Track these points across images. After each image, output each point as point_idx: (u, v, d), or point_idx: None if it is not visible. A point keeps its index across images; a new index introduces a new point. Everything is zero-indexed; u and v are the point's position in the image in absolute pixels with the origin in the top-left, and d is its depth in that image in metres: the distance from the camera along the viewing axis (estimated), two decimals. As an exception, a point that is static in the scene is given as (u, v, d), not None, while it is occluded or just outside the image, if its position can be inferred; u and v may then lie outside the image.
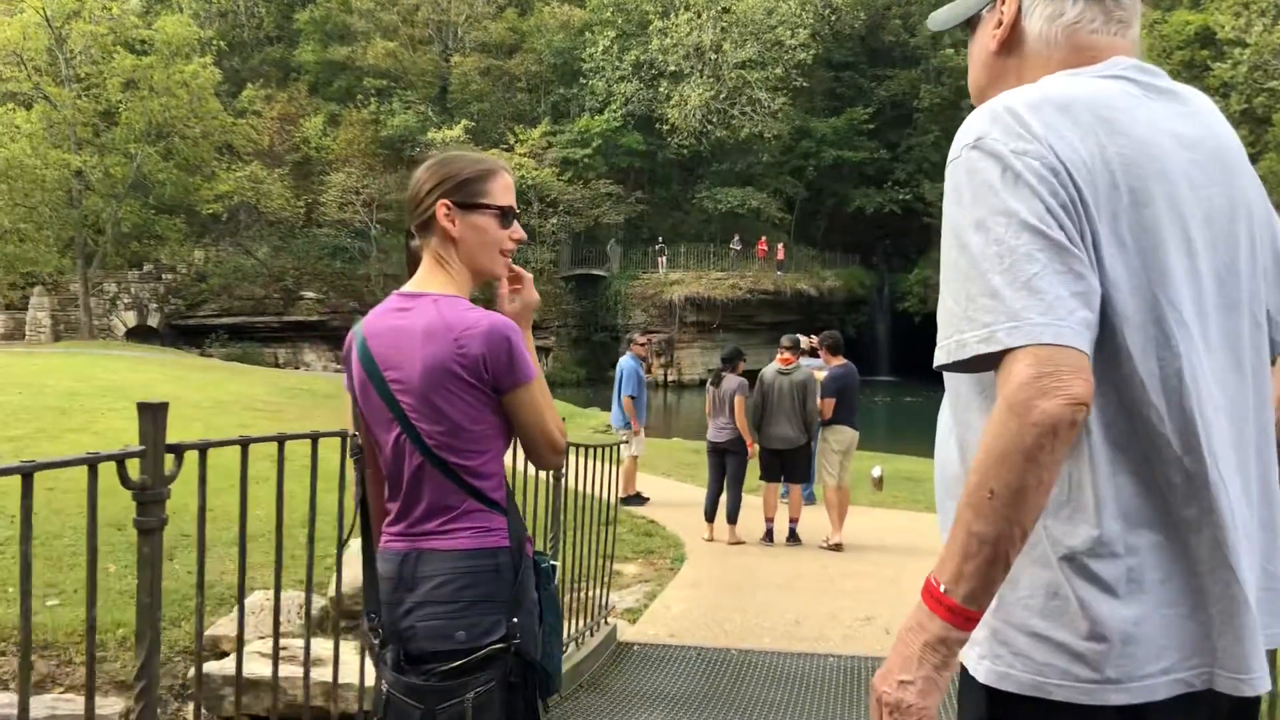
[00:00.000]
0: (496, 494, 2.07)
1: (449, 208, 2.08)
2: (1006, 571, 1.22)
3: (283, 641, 6.28)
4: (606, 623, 5.38)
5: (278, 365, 37.65)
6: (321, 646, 5.88)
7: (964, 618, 1.22)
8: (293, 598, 7.07)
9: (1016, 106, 1.33)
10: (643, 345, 11.47)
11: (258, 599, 6.96)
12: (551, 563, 2.22)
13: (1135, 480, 1.30)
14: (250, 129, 40.54)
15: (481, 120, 44.93)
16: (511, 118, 45.89)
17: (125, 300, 39.62)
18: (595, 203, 43.04)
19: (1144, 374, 1.29)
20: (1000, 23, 1.52)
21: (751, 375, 9.42)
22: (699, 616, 6.12)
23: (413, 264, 2.20)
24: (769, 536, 9.03)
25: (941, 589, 1.23)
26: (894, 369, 43.59)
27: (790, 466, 9.07)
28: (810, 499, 9.77)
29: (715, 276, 42.27)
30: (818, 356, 9.79)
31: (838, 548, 8.66)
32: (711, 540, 9.22)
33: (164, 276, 40.55)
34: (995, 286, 1.24)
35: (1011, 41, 1.52)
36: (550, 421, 2.11)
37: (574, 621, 4.91)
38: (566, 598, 5.10)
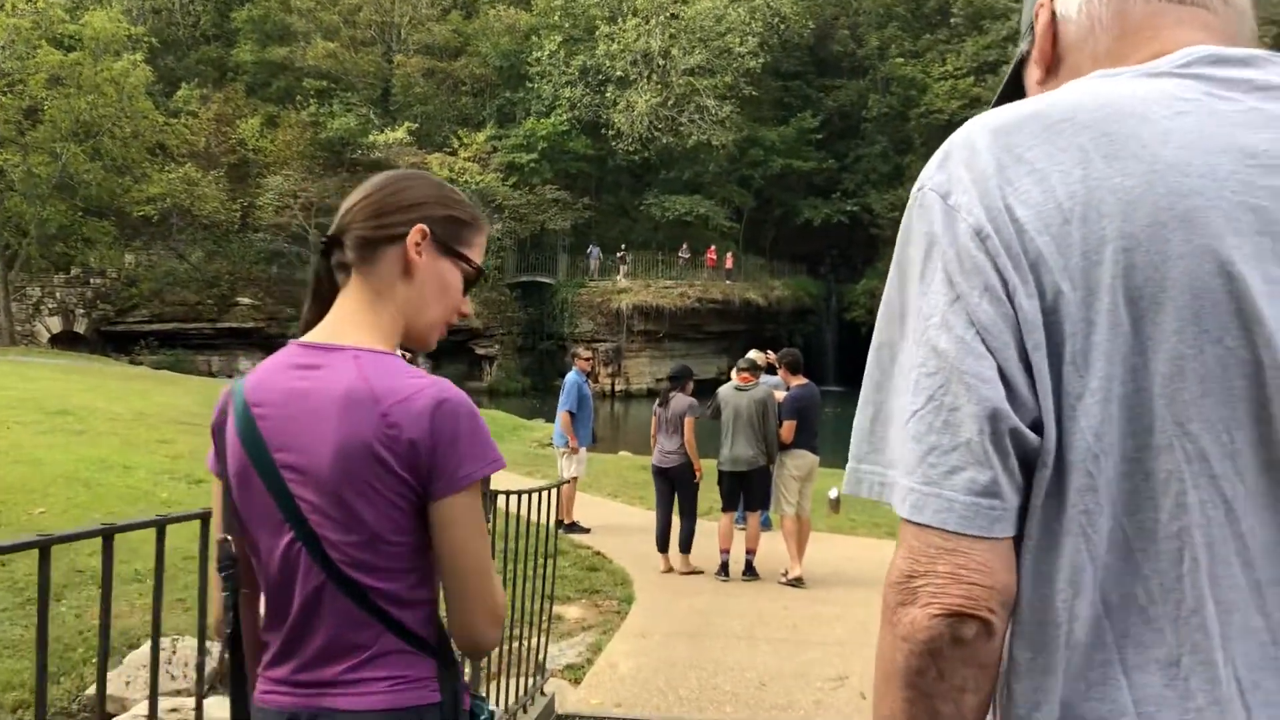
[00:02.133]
0: (425, 629, 1.54)
1: (424, 236, 1.61)
2: None
3: (176, 702, 5.54)
4: (543, 693, 4.68)
5: (211, 374, 36.48)
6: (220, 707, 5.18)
7: None
8: (191, 648, 6.34)
9: (975, 133, 0.98)
10: (587, 359, 10.84)
11: (147, 650, 6.18)
12: (490, 709, 1.66)
13: None
14: (184, 129, 39.44)
15: (425, 123, 44.16)
16: (456, 121, 45.19)
17: (50, 305, 38.18)
18: (542, 208, 42.36)
19: (1095, 548, 0.92)
20: (1034, 43, 1.14)
21: (698, 386, 8.88)
22: (649, 677, 5.43)
23: (323, 290, 1.65)
24: (724, 570, 8.40)
25: None
26: (841, 378, 43.33)
27: (749, 490, 8.46)
28: (766, 524, 9.16)
29: (664, 285, 41.87)
30: (775, 373, 9.20)
31: (798, 582, 8.06)
32: (669, 572, 8.60)
33: (92, 281, 39.16)
34: (888, 410, 0.99)
35: (1050, 54, 1.12)
36: (490, 567, 1.54)
37: (508, 685, 4.22)
38: (502, 649, 4.42)
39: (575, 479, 10.47)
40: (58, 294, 38.34)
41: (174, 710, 5.47)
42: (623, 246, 43.08)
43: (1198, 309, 0.89)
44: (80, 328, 38.58)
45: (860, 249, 48.81)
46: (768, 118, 49.47)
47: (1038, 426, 0.92)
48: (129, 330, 39.16)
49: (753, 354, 8.88)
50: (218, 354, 39.35)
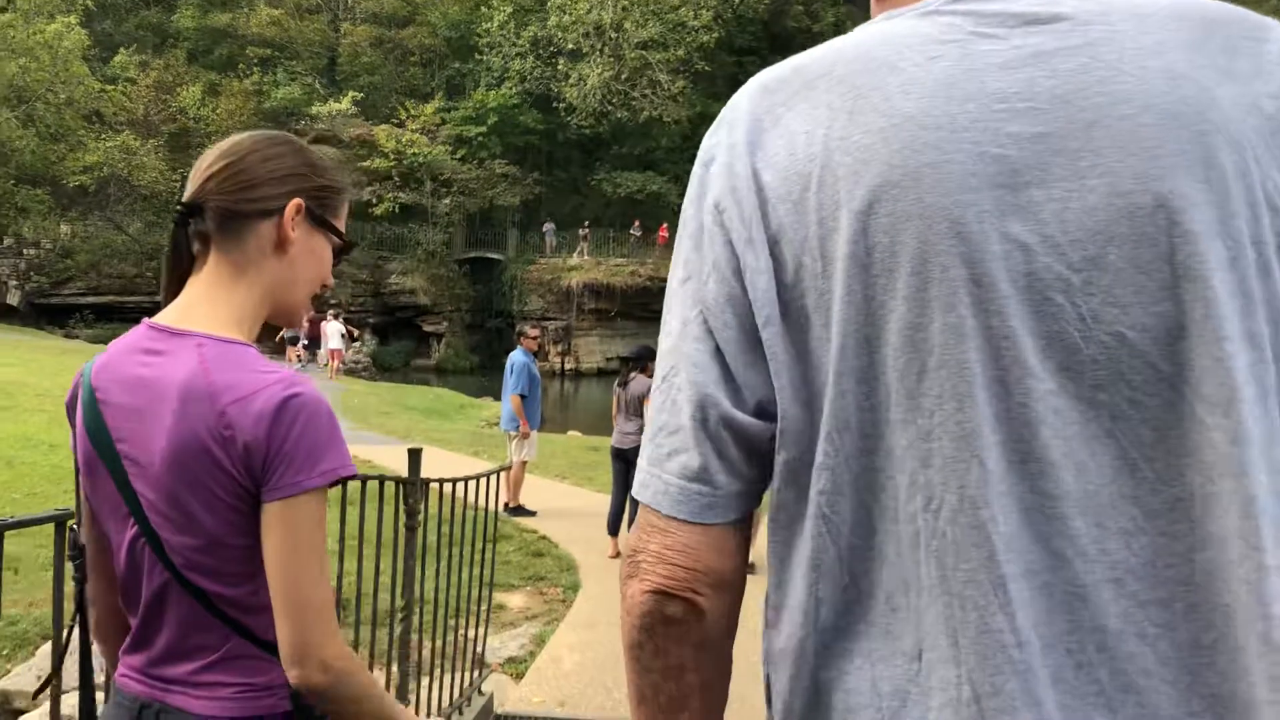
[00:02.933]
0: (272, 633, 1.41)
1: (299, 211, 1.51)
2: None
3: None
4: (480, 692, 4.39)
5: (150, 348, 35.58)
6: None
7: None
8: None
9: (744, 93, 0.96)
10: (534, 338, 10.47)
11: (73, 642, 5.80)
12: None
13: None
14: (122, 96, 38.26)
15: (371, 94, 43.18)
16: (404, 92, 44.25)
17: (-19, 276, 36.93)
18: (491, 183, 41.71)
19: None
20: None
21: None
22: (595, 672, 5.17)
23: (182, 264, 1.51)
24: None
25: None
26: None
27: None
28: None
29: (615, 263, 41.42)
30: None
31: (749, 568, 7.84)
32: (618, 556, 8.32)
33: (25, 252, 37.84)
34: (655, 377, 0.98)
35: None
36: (314, 595, 1.38)
37: (445, 682, 3.94)
38: (439, 642, 4.13)
39: (525, 462, 10.19)
40: (-11, 265, 37.11)
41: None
42: (585, 223, 42.53)
43: (928, 275, 0.82)
44: (13, 300, 37.34)
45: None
46: (721, 94, 48.91)
47: (764, 410, 0.89)
48: (64, 303, 37.93)
49: None
50: (157, 328, 38.41)
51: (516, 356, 10.07)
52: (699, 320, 0.92)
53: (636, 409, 8.50)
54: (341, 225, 1.61)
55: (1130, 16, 0.87)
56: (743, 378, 0.90)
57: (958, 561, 0.82)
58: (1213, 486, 0.80)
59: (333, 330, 27.75)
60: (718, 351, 0.90)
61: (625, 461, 8.59)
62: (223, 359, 1.40)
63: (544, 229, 42.91)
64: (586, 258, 41.54)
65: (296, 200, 1.50)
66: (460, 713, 4.09)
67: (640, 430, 8.43)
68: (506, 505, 9.79)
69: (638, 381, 8.59)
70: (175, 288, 1.51)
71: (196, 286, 1.48)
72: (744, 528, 0.94)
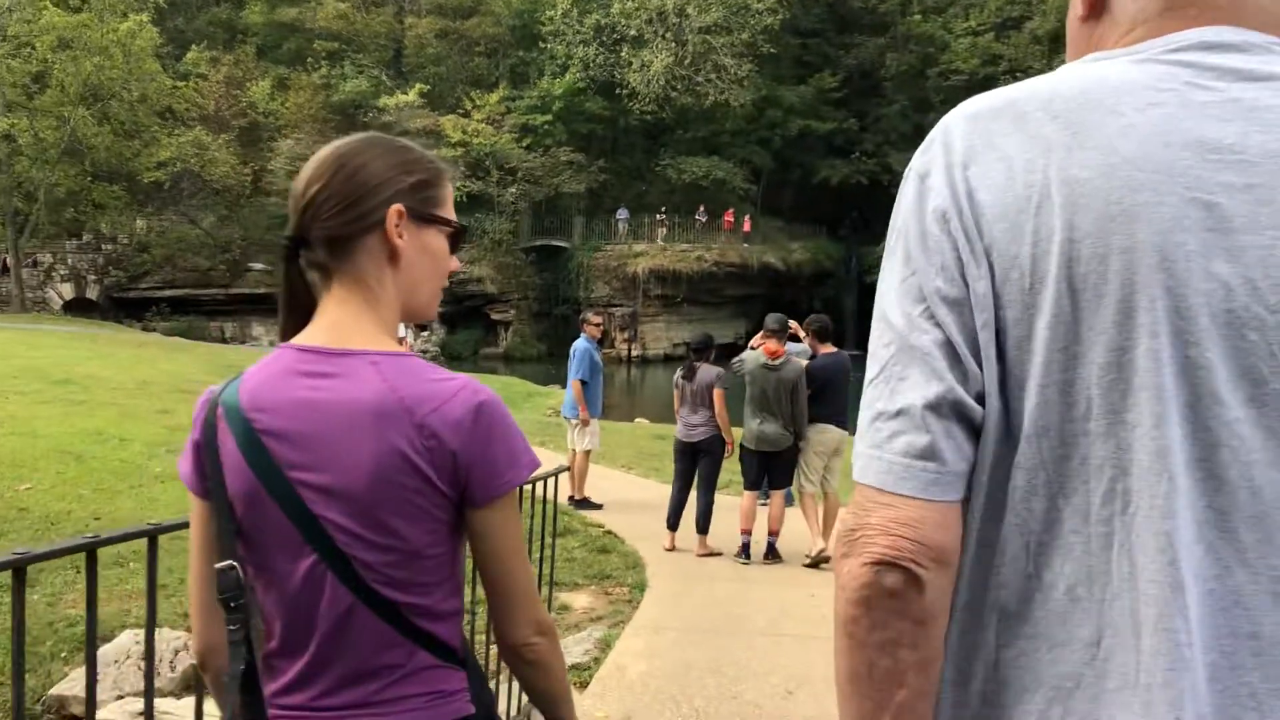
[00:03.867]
0: (455, 640, 1.47)
1: (401, 217, 1.47)
2: None
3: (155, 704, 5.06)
4: (542, 707, 4.17)
5: (224, 340, 36.25)
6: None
7: None
8: (170, 640, 5.88)
9: (955, 118, 1.04)
10: (597, 324, 10.28)
11: (124, 642, 5.72)
12: None
13: None
14: (193, 93, 38.94)
15: (437, 85, 43.42)
16: (469, 82, 44.40)
17: (62, 272, 37.91)
18: (555, 171, 41.66)
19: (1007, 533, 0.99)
20: None
21: (718, 352, 8.33)
22: (662, 683, 4.91)
23: (297, 296, 1.50)
24: (745, 551, 7.89)
25: None
26: (862, 343, 42.02)
27: (775, 470, 7.92)
28: (790, 500, 8.61)
29: (680, 249, 41.12)
30: (799, 340, 8.60)
31: (824, 561, 7.56)
32: (673, 550, 8.10)
33: (103, 247, 38.87)
34: (866, 403, 1.03)
35: (1098, 2, 1.10)
36: (530, 572, 1.50)
37: (501, 694, 3.73)
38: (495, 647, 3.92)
39: (589, 451, 10.00)
40: (69, 260, 38.04)
41: (141, 714, 5.02)
42: (663, 209, 42.25)
43: (1135, 304, 0.91)
44: (93, 294, 38.31)
45: (880, 210, 47.47)
46: (786, 76, 48.42)
47: (981, 399, 0.97)
48: (141, 296, 38.87)
49: (782, 316, 8.14)
50: (230, 320, 38.99)
51: (579, 343, 9.90)
52: (926, 315, 0.98)
53: (704, 399, 8.19)
54: (448, 210, 1.55)
55: None
56: (968, 369, 0.97)
57: (1146, 562, 0.90)
58: None
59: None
60: (947, 342, 0.97)
61: (691, 455, 8.31)
62: (402, 373, 1.39)
63: (617, 215, 42.69)
64: (650, 244, 41.27)
65: (396, 207, 1.46)
66: (520, 729, 3.86)
67: (708, 421, 8.19)
68: (571, 498, 9.61)
69: (704, 371, 8.28)
70: (295, 319, 1.49)
71: (333, 308, 1.46)
72: (963, 509, 0.98)
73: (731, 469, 8.88)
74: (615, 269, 41.11)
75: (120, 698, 5.24)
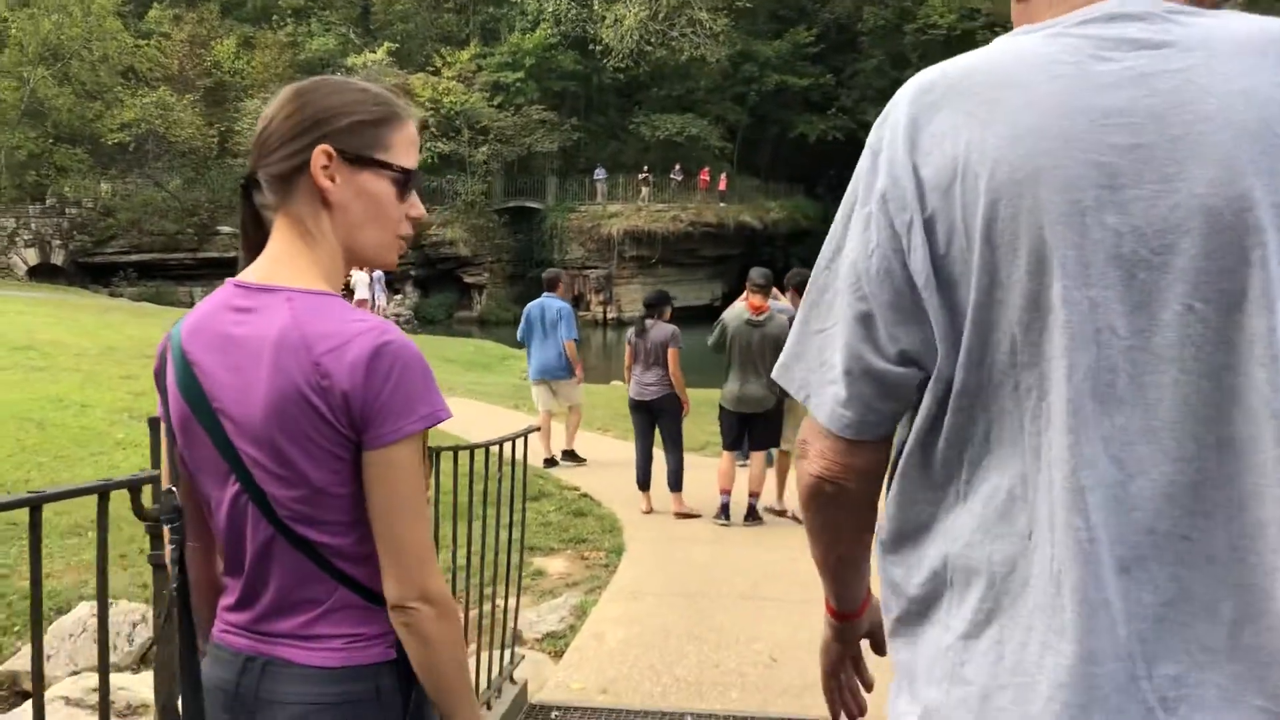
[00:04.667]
0: (377, 583, 1.46)
1: (330, 158, 1.46)
2: (845, 577, 1.40)
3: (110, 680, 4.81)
4: (513, 680, 3.93)
5: (192, 305, 35.32)
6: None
7: (831, 612, 1.47)
8: (128, 612, 5.63)
9: (906, 92, 1.17)
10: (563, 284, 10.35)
11: (81, 614, 5.47)
12: None
13: None
14: (156, 52, 38.06)
15: (406, 42, 42.60)
16: (438, 39, 43.65)
17: (25, 237, 37.01)
18: (528, 130, 41.05)
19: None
20: None
21: (691, 314, 8.05)
22: (639, 653, 4.69)
23: (252, 232, 1.55)
24: (725, 512, 7.69)
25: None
26: (839, 302, 42.60)
27: (756, 431, 7.67)
28: (770, 460, 8.41)
29: (655, 209, 40.70)
30: (778, 300, 8.34)
31: (784, 514, 7.56)
32: (650, 512, 7.91)
33: (68, 211, 37.98)
34: (804, 319, 1.24)
35: None
36: (423, 531, 1.46)
37: (473, 662, 3.50)
38: (471, 613, 3.70)
39: (574, 406, 10.21)
40: (33, 225, 37.15)
41: (95, 689, 4.79)
42: (644, 168, 41.69)
43: (1045, 254, 1.05)
44: (58, 260, 37.53)
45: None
46: (762, 31, 47.79)
47: (903, 359, 1.13)
48: (108, 261, 38.08)
49: (767, 271, 7.88)
50: (199, 284, 38.16)
51: (559, 303, 9.78)
52: (854, 289, 1.15)
53: (658, 357, 7.95)
54: (397, 154, 1.52)
55: (1226, 44, 1.06)
56: (890, 333, 1.13)
57: (1057, 472, 1.06)
58: (1256, 428, 1.02)
59: (359, 280, 27.59)
60: (869, 314, 1.13)
61: (647, 412, 8.07)
62: (312, 310, 1.41)
63: (595, 175, 42.13)
64: (624, 204, 40.85)
65: (323, 147, 1.45)
66: (489, 706, 3.63)
67: (660, 380, 7.95)
68: (565, 453, 10.04)
69: (657, 329, 8.02)
70: (250, 256, 1.52)
71: (273, 247, 1.49)
72: (883, 442, 1.21)
73: (710, 430, 8.68)
74: (590, 230, 40.66)
75: (75, 673, 5.00)
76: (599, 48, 42.06)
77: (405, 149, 1.52)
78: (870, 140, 1.18)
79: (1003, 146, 1.06)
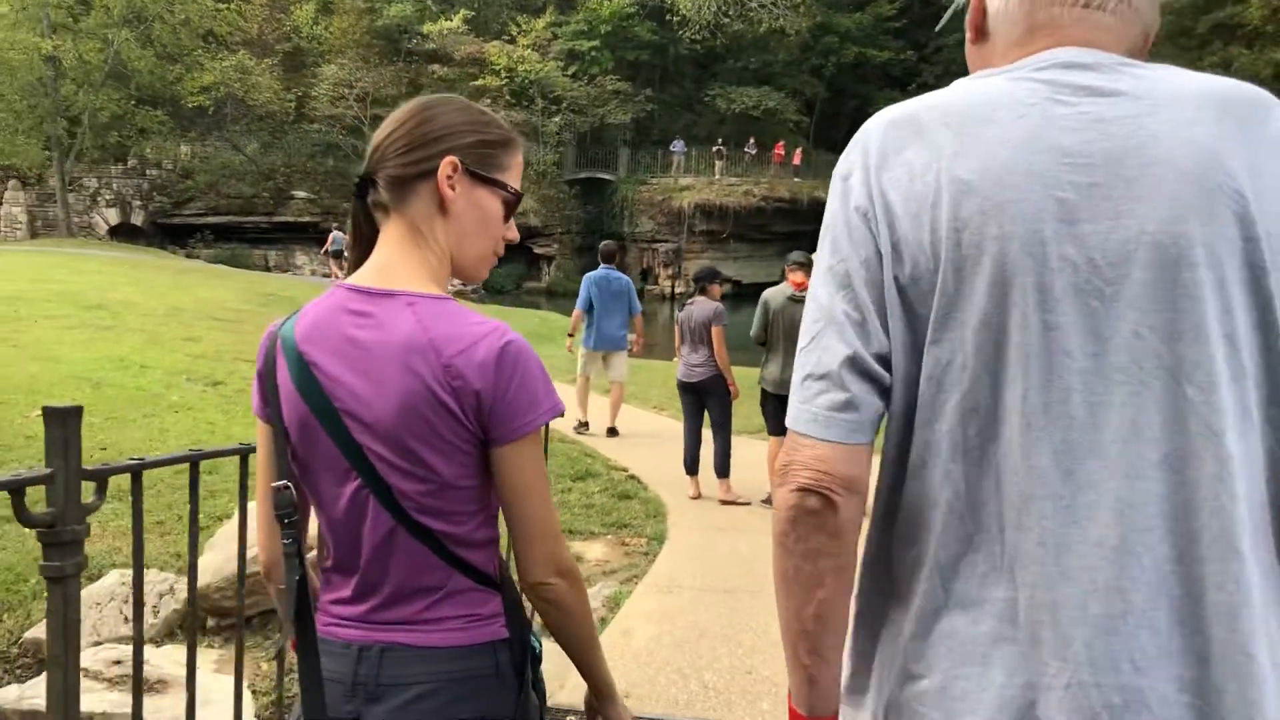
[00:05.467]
0: (490, 566, 1.58)
1: (455, 169, 1.57)
2: (822, 646, 1.24)
3: (124, 651, 4.70)
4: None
5: (267, 268, 36.05)
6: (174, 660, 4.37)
7: (795, 718, 1.30)
8: (157, 582, 5.52)
9: (874, 126, 1.28)
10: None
11: (109, 583, 5.36)
12: (539, 645, 1.65)
13: None
14: (237, 16, 38.30)
15: (483, 9, 42.55)
16: (515, 6, 43.46)
17: (107, 196, 37.77)
18: (602, 100, 40.71)
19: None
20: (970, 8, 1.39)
21: (760, 291, 7.72)
22: (671, 653, 4.40)
23: (363, 231, 1.63)
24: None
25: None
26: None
27: None
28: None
29: (728, 183, 40.13)
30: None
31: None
32: (698, 498, 7.63)
33: (148, 172, 38.64)
34: (802, 338, 1.28)
35: (980, 25, 1.38)
36: (551, 511, 1.57)
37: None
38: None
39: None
40: (114, 185, 37.88)
41: (118, 662, 4.67)
42: (719, 141, 41.17)
43: (1006, 279, 1.14)
44: (138, 220, 38.26)
45: (937, 146, 46.27)
46: (843, 2, 46.77)
47: (887, 362, 1.21)
48: (185, 223, 38.71)
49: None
50: (274, 248, 38.77)
51: (617, 274, 9.94)
52: (846, 296, 1.21)
53: (702, 337, 7.65)
54: (509, 177, 1.63)
55: (1170, 96, 1.17)
56: (878, 337, 1.20)
57: (1009, 479, 1.15)
58: (1194, 446, 1.10)
59: None
60: (861, 319, 1.20)
61: (695, 394, 7.80)
62: (435, 314, 1.49)
63: (672, 147, 41.61)
64: (697, 177, 40.35)
65: (450, 159, 1.55)
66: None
67: (707, 361, 7.67)
68: (609, 430, 10.00)
69: (702, 305, 7.70)
70: (360, 255, 1.61)
71: (385, 249, 1.57)
72: (866, 448, 1.21)
73: (748, 413, 8.39)
74: (660, 203, 40.28)
75: (98, 644, 4.89)
76: (676, 18, 41.51)
77: (516, 174, 1.65)
78: (839, 167, 1.28)
79: (970, 179, 1.16)
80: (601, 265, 9.96)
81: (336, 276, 29.23)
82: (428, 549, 1.51)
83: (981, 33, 1.36)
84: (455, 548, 1.52)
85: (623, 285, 9.86)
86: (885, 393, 1.21)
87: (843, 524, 1.19)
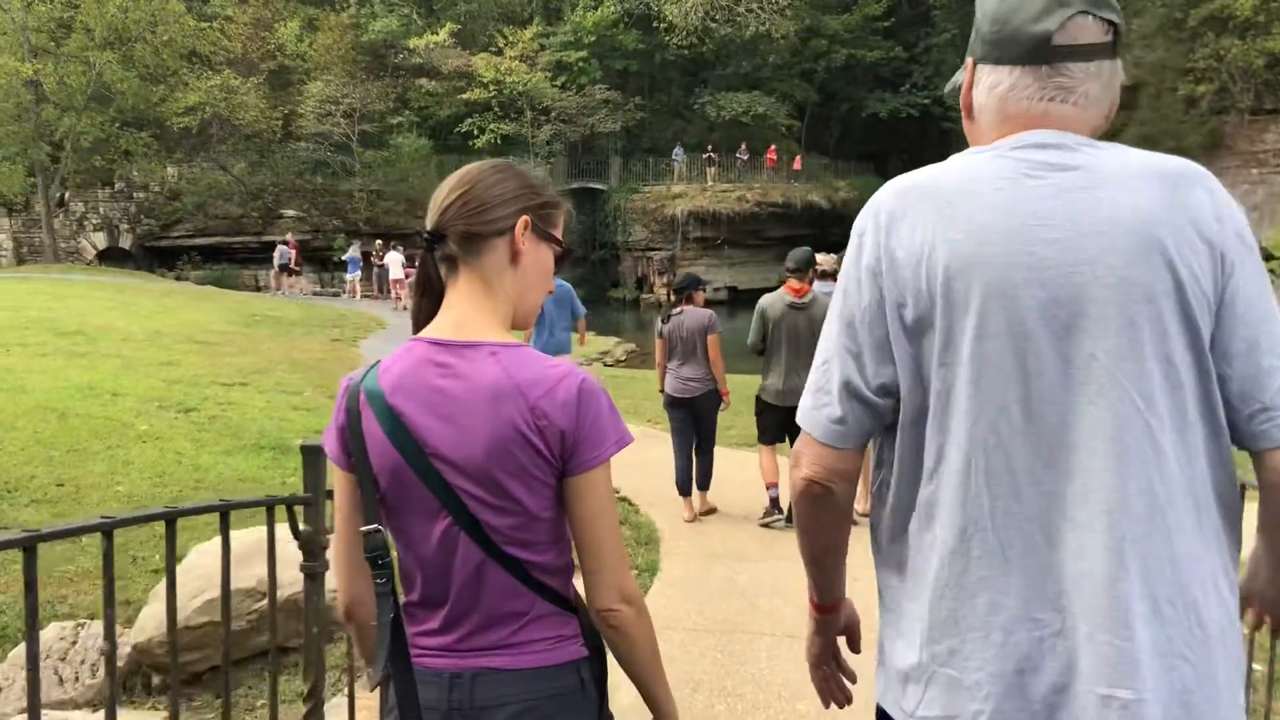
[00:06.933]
0: (568, 590, 1.73)
1: (527, 226, 1.75)
2: (827, 565, 1.70)
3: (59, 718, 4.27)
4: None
5: (257, 288, 35.59)
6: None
7: (814, 605, 1.79)
8: (97, 635, 5.05)
9: (887, 192, 1.56)
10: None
11: (48, 638, 4.90)
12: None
13: None
14: (220, 35, 37.92)
15: (469, 23, 42.23)
16: (501, 18, 43.16)
17: (94, 221, 37.35)
18: (591, 110, 40.33)
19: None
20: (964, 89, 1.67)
21: (756, 297, 7.28)
22: (658, 709, 3.96)
23: (432, 283, 1.77)
24: (776, 505, 6.99)
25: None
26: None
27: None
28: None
29: (721, 189, 39.75)
30: (832, 280, 7.49)
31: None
32: (693, 520, 7.24)
33: (135, 195, 38.19)
34: (817, 358, 1.61)
35: (970, 108, 1.66)
36: (619, 538, 1.71)
37: None
38: None
39: None
40: (101, 209, 37.44)
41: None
42: (709, 147, 40.85)
43: (987, 315, 1.44)
44: (125, 243, 37.81)
45: (932, 145, 45.29)
46: (831, 4, 46.44)
47: (883, 391, 1.53)
48: (174, 245, 38.20)
49: (804, 252, 7.11)
50: (264, 267, 38.20)
51: (560, 281, 9.52)
52: (850, 334, 1.54)
53: (695, 347, 7.19)
54: (558, 234, 1.82)
55: (1119, 170, 1.47)
56: (874, 369, 1.52)
57: (989, 479, 1.45)
58: (1135, 442, 1.40)
59: (393, 260, 29.21)
60: (859, 354, 1.53)
61: (690, 411, 7.29)
62: (516, 361, 1.64)
63: (674, 156, 41.24)
64: (689, 184, 39.96)
65: (525, 217, 1.72)
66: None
67: (704, 375, 7.20)
68: None
69: (691, 315, 7.24)
70: (426, 307, 1.76)
71: (458, 302, 1.71)
72: (858, 452, 1.56)
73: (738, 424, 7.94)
74: (654, 211, 39.89)
75: (24, 712, 4.44)
76: (662, 25, 41.19)
77: (560, 229, 1.82)
78: (856, 225, 1.57)
79: (959, 238, 1.46)
80: None
81: (280, 289, 31.69)
82: (514, 578, 1.64)
83: (970, 114, 1.65)
84: (539, 575, 1.65)
85: (565, 291, 9.44)
86: (875, 412, 1.54)
87: (838, 499, 1.58)
